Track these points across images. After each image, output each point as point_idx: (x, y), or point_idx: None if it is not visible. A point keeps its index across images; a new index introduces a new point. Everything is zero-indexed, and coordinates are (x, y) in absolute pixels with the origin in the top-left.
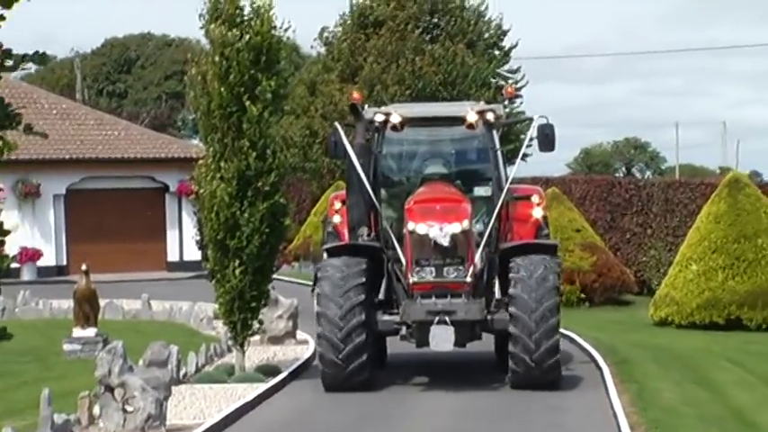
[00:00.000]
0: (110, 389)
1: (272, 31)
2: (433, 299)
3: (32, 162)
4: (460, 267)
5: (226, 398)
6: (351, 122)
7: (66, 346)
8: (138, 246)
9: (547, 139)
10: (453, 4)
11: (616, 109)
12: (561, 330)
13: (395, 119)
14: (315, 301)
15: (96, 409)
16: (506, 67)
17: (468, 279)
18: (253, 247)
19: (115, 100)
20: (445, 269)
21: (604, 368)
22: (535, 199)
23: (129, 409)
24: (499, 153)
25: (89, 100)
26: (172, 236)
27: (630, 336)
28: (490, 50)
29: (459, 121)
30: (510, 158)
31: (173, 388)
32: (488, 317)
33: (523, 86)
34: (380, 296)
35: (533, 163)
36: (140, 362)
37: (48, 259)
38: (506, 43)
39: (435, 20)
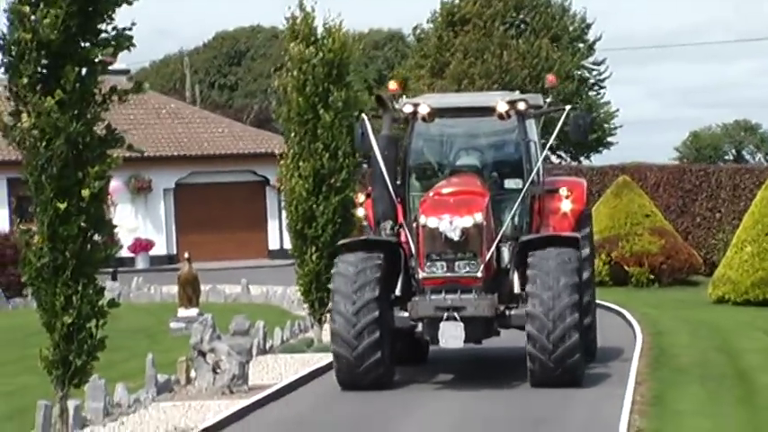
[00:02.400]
0: (202, 354)
1: (343, 48)
2: (443, 294)
3: (144, 159)
4: (473, 262)
5: (303, 364)
6: (377, 114)
7: (172, 325)
8: (242, 235)
9: (579, 129)
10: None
11: (734, 90)
12: (615, 307)
13: (423, 110)
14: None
15: (192, 373)
16: (591, 59)
17: (479, 274)
18: (327, 236)
19: (226, 92)
20: (456, 264)
21: (639, 337)
22: (563, 192)
23: (218, 370)
24: (532, 144)
25: (200, 94)
26: (272, 225)
27: (683, 312)
28: (574, 43)
29: (489, 111)
30: (594, 147)
31: (259, 357)
32: (507, 312)
33: (607, 77)
34: (397, 292)
35: (638, 147)
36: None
37: (159, 249)
38: (591, 36)
39: (521, 16)
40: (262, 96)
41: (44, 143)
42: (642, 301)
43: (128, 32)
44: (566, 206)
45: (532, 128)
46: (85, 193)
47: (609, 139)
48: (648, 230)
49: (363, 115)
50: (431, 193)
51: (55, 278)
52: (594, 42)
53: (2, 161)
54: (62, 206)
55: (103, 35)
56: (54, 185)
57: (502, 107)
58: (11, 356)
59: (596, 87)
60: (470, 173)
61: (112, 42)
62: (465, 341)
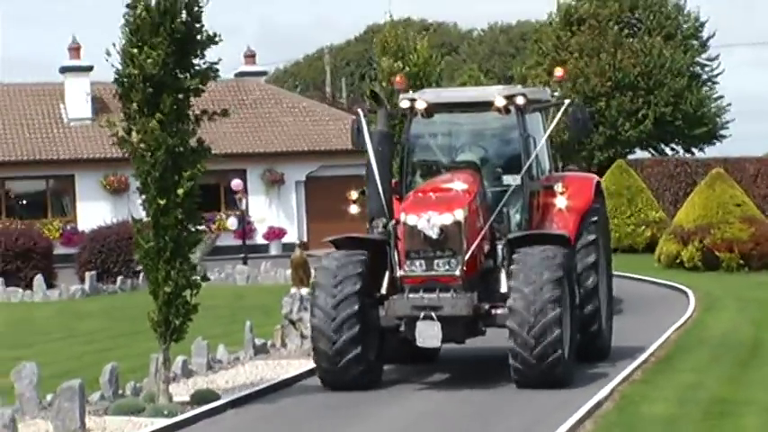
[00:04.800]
0: (291, 322)
1: (426, 63)
2: (421, 293)
3: (277, 154)
4: (452, 260)
5: None
6: (373, 109)
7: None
8: (364, 224)
9: (578, 124)
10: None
11: None
12: (681, 287)
13: (420, 105)
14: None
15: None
16: (705, 55)
17: (458, 273)
18: None
19: (375, 83)
20: (435, 262)
21: (687, 312)
22: (557, 188)
23: (305, 336)
24: (531, 139)
25: (350, 86)
26: None
27: (751, 293)
28: (687, 41)
29: (486, 106)
30: (707, 141)
31: None
32: (492, 311)
33: (719, 74)
34: (383, 291)
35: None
36: None
37: (291, 236)
38: (705, 34)
39: (636, 15)
40: None
41: (149, 154)
42: (717, 283)
43: (215, 66)
44: (560, 203)
45: (534, 123)
46: (180, 191)
47: (722, 132)
48: (739, 219)
49: (359, 111)
50: (421, 190)
51: (158, 257)
52: (708, 39)
53: None
54: (162, 202)
55: (196, 68)
56: (156, 186)
57: (499, 102)
58: (142, 327)
59: (709, 83)
60: (467, 168)
61: (201, 74)
62: (443, 341)
